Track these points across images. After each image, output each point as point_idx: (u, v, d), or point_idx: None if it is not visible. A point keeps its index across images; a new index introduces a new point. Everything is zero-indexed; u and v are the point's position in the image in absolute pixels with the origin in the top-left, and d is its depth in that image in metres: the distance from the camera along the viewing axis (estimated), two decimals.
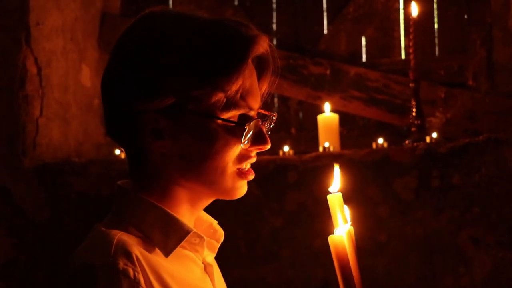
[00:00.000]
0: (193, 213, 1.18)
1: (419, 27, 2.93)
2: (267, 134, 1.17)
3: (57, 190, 2.87)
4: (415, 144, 2.69)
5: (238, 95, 1.11)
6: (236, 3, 3.53)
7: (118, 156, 3.15)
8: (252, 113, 1.15)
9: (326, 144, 2.87)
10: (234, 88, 1.10)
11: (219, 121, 1.10)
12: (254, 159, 1.16)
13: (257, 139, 1.14)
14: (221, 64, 1.09)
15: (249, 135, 1.13)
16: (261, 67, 1.18)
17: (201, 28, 1.12)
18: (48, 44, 3.07)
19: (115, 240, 1.07)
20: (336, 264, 1.06)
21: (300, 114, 3.46)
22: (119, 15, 3.57)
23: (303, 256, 2.64)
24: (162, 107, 1.09)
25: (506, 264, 2.49)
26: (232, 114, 1.12)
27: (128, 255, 1.05)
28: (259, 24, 3.75)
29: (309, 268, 2.63)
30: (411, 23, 2.91)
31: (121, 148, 1.17)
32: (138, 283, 1.04)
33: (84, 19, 3.34)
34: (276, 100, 3.48)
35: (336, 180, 1.14)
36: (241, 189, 1.16)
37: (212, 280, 1.20)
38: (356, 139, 3.30)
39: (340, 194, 1.11)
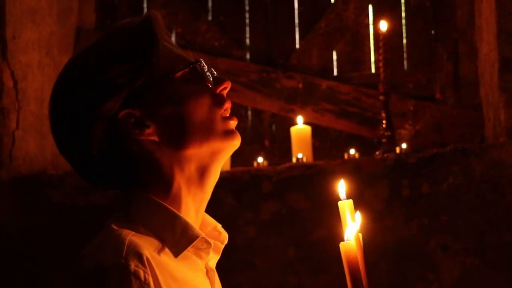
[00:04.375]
0: (198, 213, 1.20)
1: (388, 42, 3.03)
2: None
3: (34, 202, 2.89)
4: (385, 155, 2.77)
5: (170, 54, 1.19)
6: (210, 18, 3.60)
7: None
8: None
9: (300, 155, 2.94)
10: (164, 50, 1.18)
11: (176, 76, 1.17)
12: (229, 104, 1.21)
13: (215, 80, 1.21)
14: (143, 41, 1.18)
15: (207, 75, 1.19)
16: None
17: (111, 34, 1.22)
18: (24, 58, 3.10)
19: (127, 241, 1.09)
20: (346, 271, 1.08)
21: (273, 127, 3.52)
22: (94, 30, 3.61)
23: (277, 264, 2.69)
24: (122, 100, 1.14)
25: (474, 270, 2.57)
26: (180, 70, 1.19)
27: (139, 257, 1.07)
28: (233, 39, 3.80)
29: (283, 276, 2.68)
30: (380, 38, 3.00)
31: (108, 180, 1.19)
32: (148, 285, 1.06)
33: (59, 33, 3.37)
34: (249, 112, 3.54)
35: (342, 189, 1.17)
36: (234, 132, 1.20)
37: (212, 285, 1.21)
38: (329, 150, 3.37)
39: (350, 201, 1.16)
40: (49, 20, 3.29)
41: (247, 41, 3.59)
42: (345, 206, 1.16)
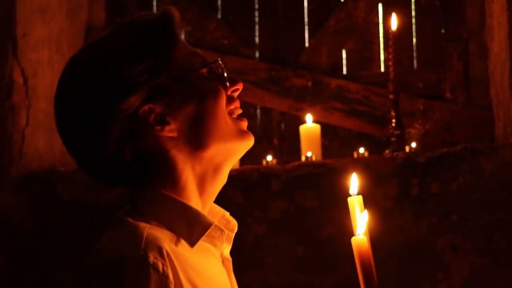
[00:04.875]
0: (206, 205, 1.20)
1: (398, 41, 3.02)
2: None
3: (43, 199, 2.90)
4: (394, 153, 2.76)
5: (187, 52, 1.20)
6: (219, 16, 3.60)
7: None
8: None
9: (309, 154, 2.93)
10: (181, 48, 1.18)
11: (198, 74, 1.18)
12: (238, 103, 1.23)
13: (230, 80, 1.22)
14: (165, 37, 1.18)
15: (223, 74, 1.20)
16: None
17: (127, 28, 1.21)
18: (34, 55, 3.11)
19: (145, 233, 1.08)
20: (358, 265, 1.09)
21: (282, 125, 3.52)
22: (104, 28, 3.61)
23: (286, 263, 2.69)
24: (145, 95, 1.14)
25: (483, 270, 2.56)
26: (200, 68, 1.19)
27: (158, 249, 1.06)
28: (242, 37, 3.81)
29: (292, 274, 2.68)
30: (390, 36, 2.99)
31: (117, 178, 1.18)
32: (167, 277, 1.05)
33: (69, 31, 3.38)
34: (258, 111, 3.54)
35: (354, 184, 1.17)
36: (247, 132, 1.21)
37: (229, 274, 1.22)
38: (338, 149, 3.37)
39: (360, 197, 1.16)
40: (59, 18, 3.29)
41: (256, 39, 3.58)
42: (355, 202, 1.16)
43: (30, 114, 3.06)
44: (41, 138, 3.11)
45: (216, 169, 1.19)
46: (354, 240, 1.08)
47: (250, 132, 1.22)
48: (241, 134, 1.20)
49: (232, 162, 1.21)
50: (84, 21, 3.52)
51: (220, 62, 1.21)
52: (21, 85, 3.03)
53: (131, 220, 1.12)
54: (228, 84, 1.21)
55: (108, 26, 3.63)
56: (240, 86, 1.22)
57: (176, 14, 1.21)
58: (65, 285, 2.73)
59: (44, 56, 3.17)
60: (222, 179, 1.21)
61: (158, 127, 1.15)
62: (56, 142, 3.20)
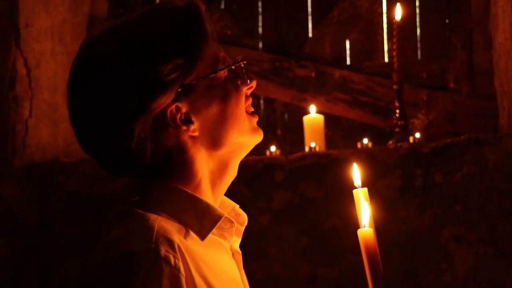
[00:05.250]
0: (217, 199, 1.19)
1: (401, 31, 3.00)
2: None
3: (47, 190, 2.89)
4: (398, 144, 2.75)
5: (214, 50, 1.18)
6: (222, 6, 3.59)
7: None
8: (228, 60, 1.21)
9: (312, 145, 2.93)
10: (209, 46, 1.17)
11: (221, 73, 1.17)
12: (250, 99, 1.23)
13: (249, 78, 1.22)
14: (196, 34, 1.16)
15: (245, 73, 1.20)
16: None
17: (153, 20, 1.17)
18: (37, 46, 3.10)
19: (156, 226, 1.07)
20: (365, 257, 1.09)
21: (286, 116, 3.52)
22: (107, 19, 3.60)
23: (290, 253, 2.69)
24: (173, 95, 1.12)
25: (487, 260, 2.56)
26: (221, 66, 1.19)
27: (169, 242, 1.06)
28: (245, 28, 3.81)
29: (296, 265, 2.68)
30: (394, 27, 2.98)
31: (139, 171, 1.16)
32: (179, 270, 1.05)
33: (72, 21, 3.37)
34: (261, 101, 3.54)
35: (357, 176, 1.17)
36: (258, 129, 1.22)
37: (239, 267, 1.22)
38: (341, 140, 3.37)
39: (365, 189, 1.16)
40: (61, 8, 3.29)
41: (260, 30, 3.57)
42: (360, 194, 1.15)
43: (33, 105, 3.05)
44: (44, 129, 3.10)
45: (228, 164, 1.19)
46: (360, 232, 1.08)
47: (260, 129, 1.23)
48: (254, 130, 1.21)
49: (241, 157, 1.22)
50: (87, 12, 3.52)
51: (243, 61, 1.21)
52: (24, 75, 3.03)
53: (141, 212, 1.11)
54: (246, 82, 1.21)
55: (111, 17, 3.62)
56: (254, 85, 1.23)
57: (202, 6, 1.20)
58: (77, 278, 2.74)
59: (47, 46, 3.17)
60: (233, 173, 1.21)
61: (184, 127, 1.14)
62: (60, 133, 3.20)
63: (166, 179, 1.15)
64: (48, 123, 3.13)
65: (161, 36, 1.13)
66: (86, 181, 2.86)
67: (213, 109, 1.16)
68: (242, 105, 1.19)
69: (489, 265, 2.55)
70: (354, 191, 1.16)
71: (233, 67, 1.19)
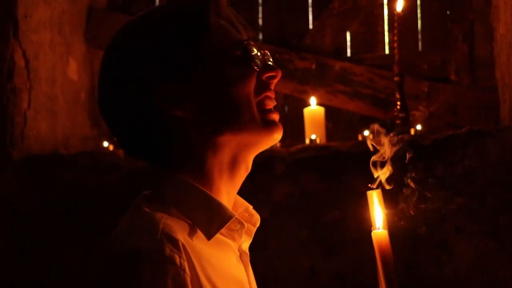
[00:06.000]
0: (230, 195, 1.16)
1: (402, 23, 2.98)
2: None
3: (45, 182, 2.88)
4: (399, 136, 2.73)
5: (224, 34, 1.14)
6: None
7: (106, 148, 3.17)
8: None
9: (313, 137, 2.91)
10: (217, 30, 1.13)
11: (224, 57, 1.12)
12: (272, 93, 1.15)
13: (267, 65, 1.14)
14: (196, 18, 1.13)
15: (256, 58, 1.13)
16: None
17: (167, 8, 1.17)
18: (36, 37, 3.08)
19: (161, 225, 1.05)
20: (378, 259, 1.07)
21: (286, 108, 3.50)
22: (106, 9, 3.58)
23: (290, 246, 2.68)
24: (166, 74, 1.11)
25: (489, 253, 2.55)
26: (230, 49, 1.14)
27: (174, 241, 1.03)
28: (245, 19, 3.78)
29: (296, 258, 2.67)
30: (395, 18, 2.96)
31: (143, 154, 1.15)
32: (184, 270, 1.02)
33: (71, 12, 3.35)
34: None
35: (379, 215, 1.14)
36: (274, 125, 1.14)
37: (246, 269, 1.19)
38: (342, 132, 3.35)
39: (379, 190, 1.15)
40: None
41: (260, 21, 3.55)
42: (374, 196, 1.13)
43: (32, 97, 3.03)
44: (42, 121, 3.09)
45: (236, 159, 1.14)
46: (374, 234, 1.06)
47: (279, 125, 1.14)
48: (265, 125, 1.12)
49: (253, 154, 1.15)
50: (86, 3, 3.49)
51: (252, 43, 1.14)
52: (23, 67, 3.01)
53: (147, 209, 1.09)
54: (261, 68, 1.13)
55: (110, 8, 3.60)
56: (276, 74, 1.14)
57: None
58: (80, 275, 2.72)
59: (46, 38, 3.15)
60: (243, 170, 1.16)
61: (173, 106, 1.11)
62: (58, 125, 3.19)
63: (178, 170, 1.13)
64: (46, 115, 3.11)
65: (169, 18, 1.14)
66: (85, 173, 2.84)
67: (211, 91, 1.11)
68: (245, 93, 1.11)
69: (491, 257, 2.54)
70: (368, 192, 1.14)
71: (238, 51, 1.12)
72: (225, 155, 1.13)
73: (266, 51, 1.16)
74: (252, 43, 1.14)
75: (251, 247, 1.23)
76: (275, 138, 1.14)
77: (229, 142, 1.12)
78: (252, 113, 1.12)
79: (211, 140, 1.12)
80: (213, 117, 1.11)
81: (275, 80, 1.15)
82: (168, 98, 1.11)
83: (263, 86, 1.14)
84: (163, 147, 1.13)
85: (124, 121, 1.14)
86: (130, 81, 1.12)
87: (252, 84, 1.12)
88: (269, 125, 1.13)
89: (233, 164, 1.14)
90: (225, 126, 1.11)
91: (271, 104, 1.15)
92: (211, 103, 1.11)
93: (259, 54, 1.14)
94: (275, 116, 1.14)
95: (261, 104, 1.14)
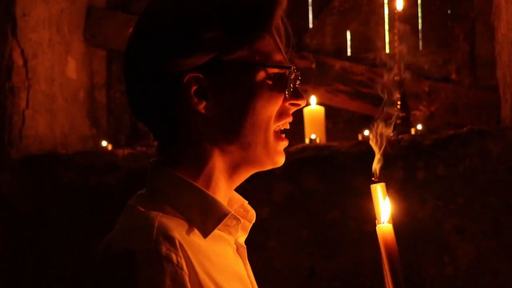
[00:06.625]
0: (227, 192, 1.15)
1: (403, 22, 2.97)
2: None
3: (44, 181, 2.87)
4: (400, 136, 2.72)
5: (273, 46, 1.11)
6: None
7: (105, 148, 3.15)
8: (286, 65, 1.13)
9: (313, 136, 2.90)
10: (270, 39, 1.10)
11: (262, 72, 1.09)
12: (290, 119, 1.14)
13: (295, 92, 1.13)
14: (256, 16, 1.09)
15: (291, 84, 1.11)
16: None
17: None
18: (34, 36, 3.07)
19: (156, 223, 1.04)
20: (384, 254, 1.05)
21: None
22: (105, 8, 3.57)
23: (290, 246, 2.67)
24: (201, 63, 1.07)
25: (490, 253, 2.53)
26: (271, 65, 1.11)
27: (170, 239, 1.02)
28: None
29: (296, 258, 2.66)
30: (395, 17, 2.95)
31: (149, 126, 1.14)
32: (181, 268, 1.01)
33: (70, 11, 3.34)
34: None
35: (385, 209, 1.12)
36: (281, 154, 1.14)
37: (244, 262, 1.18)
38: (342, 132, 3.33)
39: (383, 184, 1.12)
40: None
41: None
42: (378, 189, 1.11)
43: (30, 96, 3.02)
44: (41, 120, 3.07)
45: (238, 167, 1.13)
46: (379, 229, 1.04)
47: (284, 154, 1.14)
48: (276, 154, 1.13)
49: (254, 171, 1.15)
50: (85, 2, 3.48)
51: (296, 71, 1.11)
52: (21, 66, 2.99)
53: (142, 208, 1.08)
54: (290, 95, 1.11)
55: (109, 7, 3.58)
56: (302, 103, 1.13)
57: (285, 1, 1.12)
58: (80, 277, 2.71)
59: (44, 36, 3.13)
60: (242, 179, 1.15)
61: (196, 99, 1.08)
62: (57, 124, 3.17)
63: (177, 165, 1.11)
64: (45, 114, 3.10)
65: (228, 3, 1.10)
66: (84, 173, 2.83)
67: (235, 97, 1.09)
68: (269, 116, 1.10)
69: (492, 258, 2.53)
70: (372, 185, 1.11)
71: (275, 70, 1.10)
72: (227, 162, 1.12)
73: (299, 74, 1.13)
74: (295, 69, 1.12)
75: (250, 247, 1.22)
76: (278, 165, 1.14)
77: (235, 153, 1.11)
78: (267, 138, 1.11)
79: (219, 145, 1.11)
80: (229, 126, 1.10)
81: (297, 108, 1.14)
82: (196, 88, 1.08)
83: (285, 111, 1.13)
84: (171, 131, 1.11)
85: (145, 89, 1.11)
86: (163, 56, 1.08)
87: (277, 108, 1.11)
88: (277, 155, 1.13)
89: (234, 171, 1.13)
90: (238, 139, 1.10)
91: (286, 130, 1.15)
92: (232, 112, 1.10)
93: (293, 79, 1.12)
94: (285, 145, 1.14)
95: (278, 130, 1.13)
